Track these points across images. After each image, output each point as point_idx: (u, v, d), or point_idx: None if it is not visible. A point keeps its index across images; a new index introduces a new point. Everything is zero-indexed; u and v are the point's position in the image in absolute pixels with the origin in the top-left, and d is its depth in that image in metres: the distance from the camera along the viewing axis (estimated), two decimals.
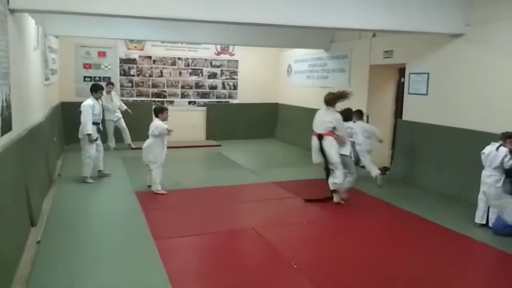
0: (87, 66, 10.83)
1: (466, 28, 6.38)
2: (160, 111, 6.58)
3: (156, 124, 6.44)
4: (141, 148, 6.75)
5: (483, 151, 5.24)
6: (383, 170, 8.37)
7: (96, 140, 7.10)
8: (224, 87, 12.24)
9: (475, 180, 5.41)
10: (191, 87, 11.89)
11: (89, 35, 8.86)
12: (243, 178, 7.69)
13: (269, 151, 10.95)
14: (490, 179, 5.18)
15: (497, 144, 5.12)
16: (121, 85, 11.15)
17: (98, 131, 7.20)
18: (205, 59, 11.91)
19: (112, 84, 10.05)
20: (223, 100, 12.29)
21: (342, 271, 4.10)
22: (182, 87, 11.81)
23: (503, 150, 5.04)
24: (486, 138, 5.48)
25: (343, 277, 3.97)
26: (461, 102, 6.53)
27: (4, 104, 4.12)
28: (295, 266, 4.12)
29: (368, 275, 4.02)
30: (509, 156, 4.99)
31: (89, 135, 6.87)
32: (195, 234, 4.98)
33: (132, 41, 11.02)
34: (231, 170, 8.50)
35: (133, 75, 11.31)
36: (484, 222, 5.29)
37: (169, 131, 6.46)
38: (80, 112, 6.96)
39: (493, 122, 5.79)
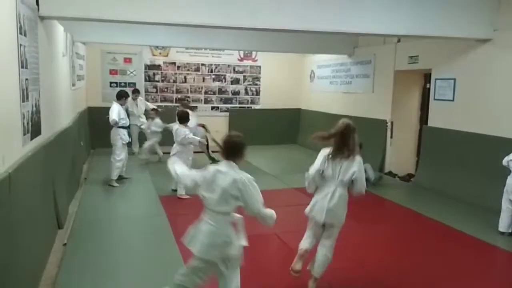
0: (113, 72, 11.06)
1: (493, 33, 6.25)
2: (187, 118, 6.62)
3: (187, 134, 6.46)
4: (164, 153, 6.83)
5: (509, 158, 5.10)
6: (408, 177, 8.25)
7: (127, 144, 7.23)
8: (246, 93, 12.30)
9: (500, 188, 5.27)
10: (214, 93, 11.99)
11: (116, 42, 9.07)
12: (265, 184, 7.62)
13: (291, 156, 10.91)
14: None
15: None
16: (146, 91, 11.33)
17: (128, 134, 7.33)
18: (228, 65, 12.00)
19: (138, 91, 10.22)
20: (246, 105, 12.34)
21: (363, 278, 4.04)
22: (206, 92, 11.92)
23: None
24: (510, 144, 5.34)
25: (364, 283, 3.91)
26: (489, 108, 6.39)
27: (34, 109, 4.24)
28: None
29: (391, 283, 3.94)
30: None
31: (114, 120, 7.02)
32: None
33: (157, 47, 11.20)
34: (254, 175, 8.34)
35: (158, 81, 11.49)
36: (510, 230, 5.14)
37: (201, 143, 6.49)
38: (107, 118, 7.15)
39: None
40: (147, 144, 9.13)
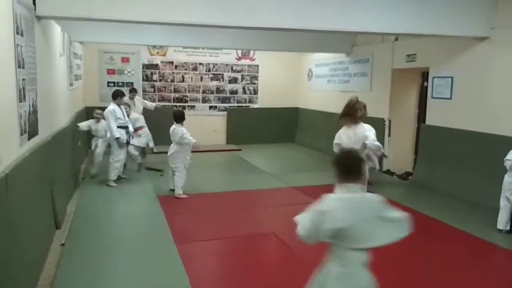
0: (110, 71, 11.04)
1: (490, 32, 6.25)
2: (183, 118, 6.62)
3: (184, 134, 6.44)
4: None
5: (507, 157, 5.11)
6: (406, 175, 8.26)
7: (127, 143, 7.22)
8: (244, 92, 12.29)
9: (497, 186, 5.28)
10: (212, 92, 11.98)
11: (113, 41, 9.05)
12: (263, 183, 7.69)
13: (289, 155, 10.91)
14: None
15: None
16: (144, 90, 11.31)
17: (127, 134, 7.33)
18: (226, 64, 11.99)
19: (135, 90, 10.19)
20: (244, 104, 12.34)
21: None
22: (203, 92, 11.91)
23: None
24: (508, 142, 5.34)
25: None
26: (486, 106, 6.40)
27: (31, 109, 4.23)
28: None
29: (391, 283, 3.95)
30: None
31: (118, 138, 6.98)
32: (215, 238, 5.00)
33: (154, 47, 11.19)
34: (252, 174, 8.50)
35: (156, 80, 11.48)
36: (508, 228, 5.16)
37: (196, 146, 6.49)
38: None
39: None
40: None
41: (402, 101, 8.49)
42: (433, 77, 7.45)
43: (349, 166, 2.51)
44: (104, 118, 7.24)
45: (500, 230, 5.19)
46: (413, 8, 5.89)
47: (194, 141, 6.46)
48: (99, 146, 7.67)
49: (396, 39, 8.35)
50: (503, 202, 5.21)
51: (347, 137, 5.86)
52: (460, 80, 6.90)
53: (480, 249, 4.81)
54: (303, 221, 2.54)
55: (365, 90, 9.23)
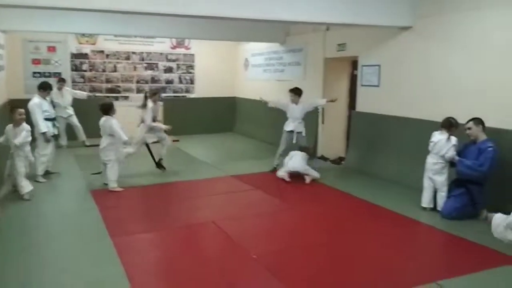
0: (36, 61, 10.41)
1: (414, 21, 6.62)
2: (111, 108, 6.38)
3: (114, 128, 6.23)
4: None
5: (431, 139, 5.49)
6: (338, 160, 8.61)
7: (54, 137, 6.86)
8: (181, 82, 12.11)
9: (422, 167, 5.66)
10: (146, 82, 11.67)
11: (38, 30, 8.51)
12: (202, 173, 7.66)
13: (228, 145, 10.94)
14: (436, 166, 5.44)
15: (445, 133, 5.37)
16: (73, 81, 10.79)
17: (54, 126, 6.96)
18: (161, 53, 11.73)
19: (64, 80, 9.72)
20: (180, 94, 12.16)
21: (300, 258, 4.19)
22: (137, 82, 11.58)
23: (454, 139, 5.29)
24: (433, 126, 5.73)
25: (301, 264, 4.06)
26: (409, 92, 6.80)
27: None
28: (255, 257, 4.17)
29: (324, 261, 4.14)
30: (455, 147, 5.26)
31: (44, 133, 6.63)
32: (154, 230, 4.93)
33: (83, 35, 10.68)
34: (190, 165, 8.44)
35: (85, 70, 10.98)
36: (432, 206, 5.56)
37: (128, 142, 6.31)
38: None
39: (438, 111, 6.04)
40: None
41: (334, 89, 8.80)
42: (362, 66, 7.79)
43: None
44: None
45: (424, 208, 5.58)
46: None
47: (125, 138, 6.26)
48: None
49: (328, 29, 8.61)
50: (426, 182, 5.60)
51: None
52: (386, 68, 7.27)
53: (405, 226, 5.15)
54: None
55: (299, 79, 9.45)
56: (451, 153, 5.27)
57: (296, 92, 7.45)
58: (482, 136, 5.19)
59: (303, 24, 8.57)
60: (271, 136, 7.90)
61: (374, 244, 4.54)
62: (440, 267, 4.07)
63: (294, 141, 7.44)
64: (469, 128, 5.23)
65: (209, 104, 12.27)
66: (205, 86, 12.25)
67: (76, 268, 3.93)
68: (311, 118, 8.33)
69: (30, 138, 5.95)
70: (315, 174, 7.07)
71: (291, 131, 7.46)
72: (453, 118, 5.40)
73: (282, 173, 7.13)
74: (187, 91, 12.24)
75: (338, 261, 4.14)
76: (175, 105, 11.92)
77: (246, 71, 12.22)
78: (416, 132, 6.56)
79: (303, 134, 7.50)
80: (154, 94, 7.59)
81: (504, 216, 2.17)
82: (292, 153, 7.24)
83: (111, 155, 6.31)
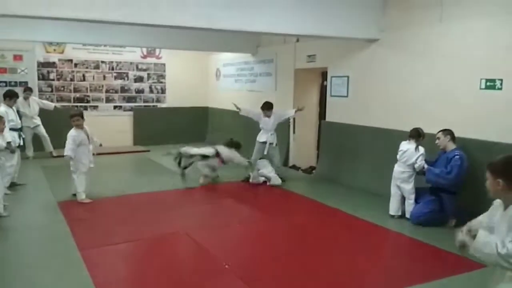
0: (1, 70, 10.13)
1: (380, 34, 6.84)
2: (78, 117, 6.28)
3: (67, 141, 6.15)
4: (63, 156, 6.43)
5: (400, 148, 5.63)
6: (310, 169, 8.73)
7: (18, 147, 6.66)
8: (151, 91, 12.01)
9: (390, 175, 5.81)
10: (116, 91, 11.53)
11: (3, 38, 8.30)
12: (173, 183, 7.60)
13: None
14: (403, 175, 5.59)
15: (414, 142, 5.53)
16: (40, 90, 10.54)
17: (20, 137, 6.77)
18: (131, 63, 11.61)
19: (30, 89, 9.50)
20: (151, 104, 12.06)
21: (272, 267, 4.21)
22: (107, 91, 11.42)
23: (422, 149, 5.45)
24: (400, 136, 5.90)
25: (273, 273, 4.08)
26: (377, 103, 6.98)
27: None
28: (227, 266, 4.17)
29: (296, 270, 4.17)
30: (423, 156, 5.43)
31: (9, 143, 6.43)
32: (123, 242, 4.84)
33: (51, 43, 10.47)
34: (161, 175, 8.36)
35: (53, 79, 10.75)
36: (400, 213, 5.70)
37: (66, 159, 6.14)
38: None
39: (405, 121, 6.24)
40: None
41: (305, 100, 8.93)
42: (331, 77, 7.95)
43: None
44: None
45: (393, 216, 5.71)
46: (313, 12, 6.21)
47: (65, 154, 6.14)
48: None
49: (297, 40, 8.76)
50: (394, 190, 5.73)
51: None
52: (355, 79, 7.45)
53: (373, 233, 5.25)
54: None
55: (270, 90, 9.56)
56: (420, 162, 5.43)
57: (268, 107, 7.63)
58: (451, 146, 5.34)
59: (273, 36, 8.70)
60: (243, 146, 7.93)
61: (344, 252, 4.62)
62: (409, 274, 4.17)
63: (265, 152, 7.62)
64: (438, 138, 5.41)
65: (181, 114, 12.20)
66: (176, 96, 12.19)
67: (43, 282, 3.82)
68: (283, 128, 8.44)
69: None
70: (278, 181, 7.43)
71: (264, 142, 7.56)
72: (420, 129, 5.58)
73: (256, 179, 7.49)
74: (158, 100, 12.15)
75: (308, 269, 4.17)
76: (145, 115, 11.81)
77: (218, 81, 12.25)
78: (383, 142, 6.73)
79: (274, 145, 7.65)
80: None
81: (492, 236, 2.18)
82: (261, 162, 7.60)
83: (73, 166, 6.19)
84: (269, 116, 7.61)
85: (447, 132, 5.38)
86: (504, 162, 2.33)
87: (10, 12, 4.72)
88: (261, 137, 7.67)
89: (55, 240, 4.87)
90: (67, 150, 6.10)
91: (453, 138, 5.37)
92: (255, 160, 7.67)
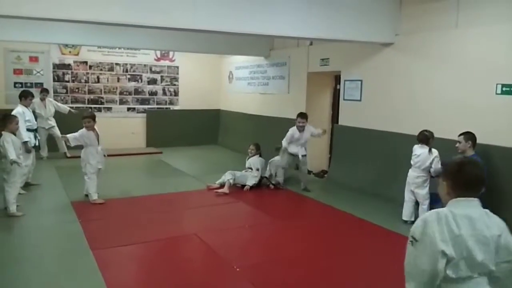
0: (17, 71, 10.27)
1: (395, 38, 6.79)
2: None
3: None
4: (77, 157, 6.51)
5: (414, 153, 5.57)
6: (322, 173, 8.68)
7: (34, 147, 6.75)
8: (164, 93, 12.09)
9: (403, 180, 5.74)
10: (130, 93, 11.62)
11: (20, 39, 8.45)
12: (185, 185, 7.63)
13: (211, 157, 10.92)
14: (418, 179, 5.52)
15: (426, 146, 5.46)
16: (55, 91, 10.67)
17: (35, 138, 6.86)
18: (145, 65, 11.70)
19: (47, 91, 9.63)
20: (164, 106, 12.13)
21: (282, 271, 4.19)
22: (121, 93, 11.51)
23: (435, 152, 5.38)
24: (414, 140, 5.82)
25: (283, 277, 4.06)
26: (391, 107, 6.93)
27: None
28: (238, 269, 4.16)
29: (306, 274, 4.15)
30: (438, 158, 5.35)
31: (26, 142, 6.52)
32: (135, 243, 4.87)
33: (66, 45, 10.60)
34: (173, 177, 8.40)
35: (68, 81, 10.88)
36: (412, 219, 5.62)
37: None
38: None
39: (419, 125, 6.15)
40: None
41: (317, 103, 8.92)
42: (345, 80, 7.91)
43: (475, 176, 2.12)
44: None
45: (405, 221, 5.63)
46: (326, 15, 6.20)
47: (68, 135, 6.21)
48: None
49: (311, 44, 8.75)
50: (407, 195, 5.67)
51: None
52: (368, 83, 7.41)
53: (386, 239, 5.20)
54: None
55: (283, 93, 9.55)
56: (437, 165, 5.33)
57: (306, 117, 7.36)
58: (470, 152, 5.19)
59: (287, 39, 8.69)
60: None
61: (356, 257, 4.58)
62: None
63: (296, 162, 7.56)
64: (459, 142, 5.27)
65: (193, 116, 12.26)
66: (189, 98, 12.25)
67: (56, 282, 3.85)
68: None
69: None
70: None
71: (295, 154, 7.36)
72: (427, 131, 5.51)
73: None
74: (171, 103, 12.22)
75: (320, 274, 4.15)
76: (158, 117, 11.88)
77: (231, 84, 12.28)
78: (397, 146, 6.67)
79: (305, 154, 7.48)
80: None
81: None
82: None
83: (83, 166, 6.25)
84: (303, 129, 7.31)
85: (469, 137, 5.20)
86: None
87: (22, 14, 4.77)
88: (292, 148, 7.34)
89: (68, 240, 4.92)
90: (71, 136, 6.19)
91: (474, 144, 5.21)
92: (282, 166, 7.53)
